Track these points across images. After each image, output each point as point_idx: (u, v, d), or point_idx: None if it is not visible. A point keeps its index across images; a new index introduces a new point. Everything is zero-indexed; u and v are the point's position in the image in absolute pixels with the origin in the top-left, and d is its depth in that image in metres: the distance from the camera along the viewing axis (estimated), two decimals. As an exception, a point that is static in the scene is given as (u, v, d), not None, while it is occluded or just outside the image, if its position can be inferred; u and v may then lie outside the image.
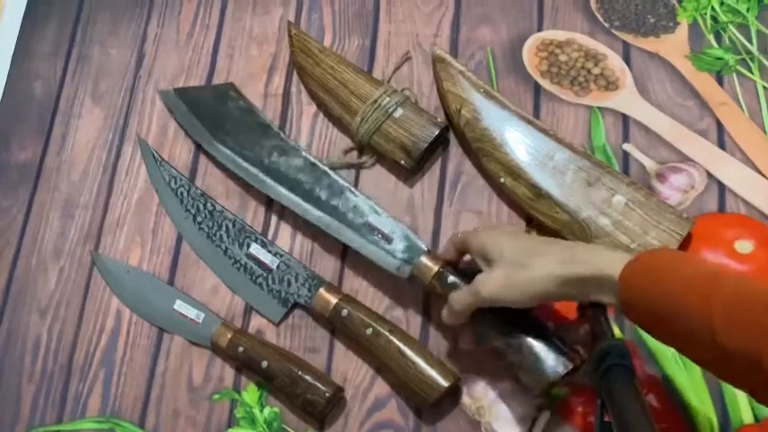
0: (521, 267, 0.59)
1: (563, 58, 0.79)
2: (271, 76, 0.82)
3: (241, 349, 0.69)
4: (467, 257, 0.66)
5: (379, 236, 0.69)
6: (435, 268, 0.67)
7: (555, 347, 0.62)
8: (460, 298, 0.63)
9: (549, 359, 0.61)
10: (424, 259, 0.67)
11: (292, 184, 0.73)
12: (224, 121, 0.77)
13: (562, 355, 0.61)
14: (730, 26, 0.79)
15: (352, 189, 0.72)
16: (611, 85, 0.78)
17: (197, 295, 0.74)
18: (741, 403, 0.66)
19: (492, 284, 0.60)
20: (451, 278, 0.66)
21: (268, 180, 0.74)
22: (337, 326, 0.70)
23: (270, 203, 0.77)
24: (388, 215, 0.70)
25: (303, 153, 0.74)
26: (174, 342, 0.73)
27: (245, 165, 0.75)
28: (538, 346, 0.62)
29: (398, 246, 0.68)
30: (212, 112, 0.78)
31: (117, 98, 0.83)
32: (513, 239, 0.62)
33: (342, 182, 0.72)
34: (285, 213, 0.76)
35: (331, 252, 0.74)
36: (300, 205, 0.72)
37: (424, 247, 0.68)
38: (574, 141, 0.73)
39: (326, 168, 0.73)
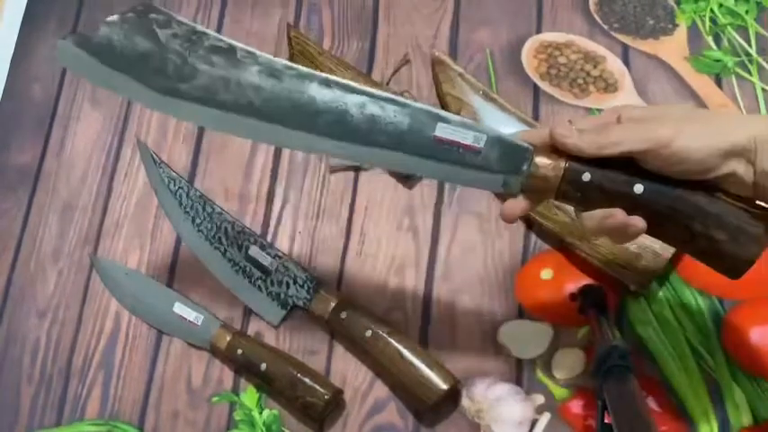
0: (705, 121, 0.50)
1: (562, 60, 0.79)
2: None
3: (240, 351, 0.69)
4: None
5: (461, 150, 0.51)
6: (561, 164, 0.50)
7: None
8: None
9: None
10: (540, 159, 0.50)
11: (307, 120, 0.52)
12: (161, 61, 0.53)
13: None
14: (729, 28, 0.79)
15: (395, 98, 0.52)
16: (610, 86, 0.78)
17: (196, 297, 0.74)
18: (741, 406, 0.66)
19: (680, 131, 0.47)
20: (588, 172, 0.49)
21: (268, 126, 0.52)
22: (336, 328, 0.70)
23: (270, 202, 0.77)
24: (458, 117, 0.52)
25: (298, 67, 0.53)
26: (173, 344, 0.72)
27: (228, 115, 0.52)
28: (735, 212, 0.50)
29: (492, 154, 0.51)
30: (135, 53, 0.54)
31: (116, 101, 0.83)
32: (668, 110, 0.52)
33: (373, 92, 0.52)
34: (284, 214, 0.76)
35: (330, 254, 0.74)
36: (334, 145, 0.52)
37: (527, 144, 0.51)
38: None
39: (343, 80, 0.53)
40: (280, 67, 0.53)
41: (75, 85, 0.84)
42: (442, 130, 0.51)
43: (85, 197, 0.79)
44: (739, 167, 0.49)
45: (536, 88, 0.78)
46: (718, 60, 0.78)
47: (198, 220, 0.75)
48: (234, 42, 0.54)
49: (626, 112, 0.51)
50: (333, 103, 0.52)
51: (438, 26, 0.82)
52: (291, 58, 0.81)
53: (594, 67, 0.79)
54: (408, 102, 0.52)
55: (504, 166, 0.51)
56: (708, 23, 0.80)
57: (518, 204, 0.52)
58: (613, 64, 0.79)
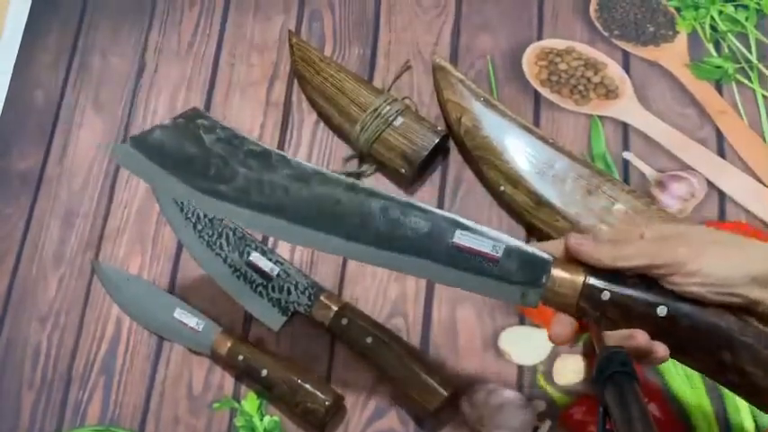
0: (732, 245, 0.48)
1: (563, 66, 0.79)
2: (271, 85, 0.82)
3: (241, 358, 0.69)
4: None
5: (479, 259, 0.50)
6: (579, 279, 0.48)
7: None
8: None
9: None
10: (558, 272, 0.49)
11: (332, 224, 0.53)
12: (205, 163, 0.57)
13: None
14: (729, 35, 0.79)
15: (416, 204, 0.53)
16: (610, 93, 0.78)
17: (197, 303, 0.74)
18: (743, 413, 0.65)
19: (703, 250, 0.46)
20: (608, 290, 0.47)
21: (296, 228, 0.54)
22: (337, 334, 0.70)
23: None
24: (478, 225, 0.52)
25: (326, 172, 0.56)
26: (174, 350, 0.72)
27: (260, 215, 0.55)
28: None
29: (510, 265, 0.50)
30: (183, 155, 0.57)
31: (118, 107, 0.83)
32: (691, 229, 0.51)
33: (395, 197, 0.54)
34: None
35: (331, 260, 0.74)
36: (357, 249, 0.53)
37: (546, 255, 0.50)
38: (574, 150, 0.74)
39: (367, 187, 0.55)
40: (309, 171, 0.55)
41: (77, 91, 0.84)
42: (460, 237, 0.51)
43: (87, 203, 0.79)
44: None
45: (537, 95, 0.79)
46: (718, 67, 0.78)
47: (199, 226, 0.75)
48: (268, 147, 0.57)
49: (650, 230, 0.50)
50: (357, 206, 0.53)
51: (439, 33, 0.82)
52: (293, 65, 0.81)
53: (595, 73, 0.79)
54: (429, 208, 0.52)
55: (522, 277, 0.50)
56: (708, 30, 0.80)
57: (564, 325, 0.49)
58: (614, 71, 0.79)
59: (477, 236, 0.51)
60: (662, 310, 0.47)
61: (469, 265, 0.51)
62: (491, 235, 0.51)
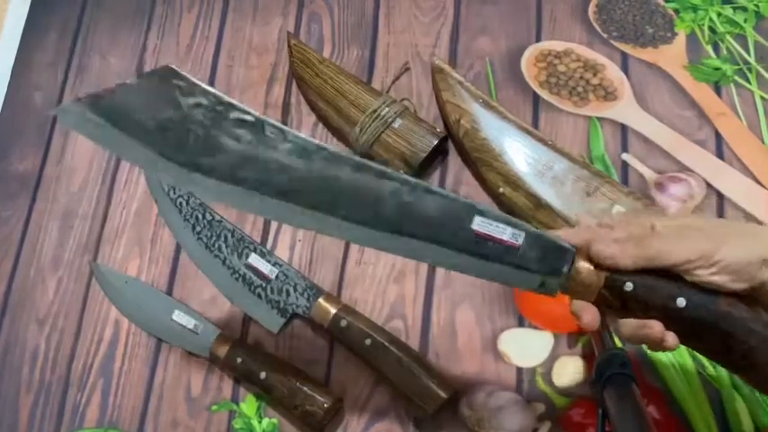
0: (748, 233, 0.49)
1: (562, 68, 0.79)
2: (270, 87, 0.82)
3: (239, 360, 0.69)
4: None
5: (498, 247, 0.48)
6: (603, 270, 0.48)
7: None
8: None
9: None
10: (581, 263, 0.48)
11: (337, 206, 0.48)
12: (182, 132, 0.49)
13: None
14: (728, 37, 0.80)
15: (431, 187, 0.49)
16: (609, 95, 0.78)
17: (195, 305, 0.73)
18: (742, 415, 0.65)
19: (722, 243, 0.46)
20: (631, 281, 0.47)
21: (294, 208, 0.48)
22: (336, 336, 0.70)
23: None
24: (496, 210, 0.49)
25: (330, 148, 0.50)
26: (173, 352, 0.72)
27: (251, 194, 0.48)
28: None
29: (530, 253, 0.48)
30: (154, 121, 0.49)
31: (116, 108, 0.83)
32: (703, 222, 0.51)
33: (407, 179, 0.49)
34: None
35: (330, 262, 0.74)
36: (365, 233, 0.49)
37: (567, 245, 0.48)
38: (573, 151, 0.74)
39: (376, 165, 0.49)
40: (311, 147, 0.49)
41: (76, 92, 0.84)
42: (479, 224, 0.48)
43: (85, 205, 0.79)
44: None
45: (535, 96, 0.79)
46: (717, 69, 0.78)
47: (198, 228, 0.75)
48: (263, 117, 0.50)
49: (660, 222, 0.49)
50: (366, 188, 0.49)
51: (438, 34, 0.82)
52: (292, 66, 0.81)
53: (594, 75, 0.79)
54: (445, 192, 0.49)
55: (542, 266, 0.48)
56: (707, 32, 0.80)
57: (591, 312, 0.48)
58: (613, 72, 0.79)
59: (496, 223, 0.48)
60: (681, 302, 0.48)
61: (488, 252, 0.48)
62: (511, 222, 0.48)
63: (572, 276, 0.48)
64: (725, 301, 0.48)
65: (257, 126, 0.49)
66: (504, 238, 0.48)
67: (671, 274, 0.48)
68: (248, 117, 0.50)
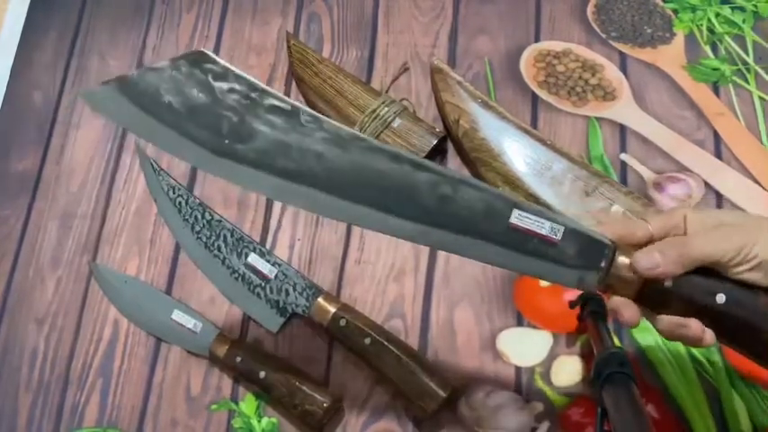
0: None
1: (560, 68, 0.80)
2: (269, 87, 0.82)
3: (239, 359, 0.69)
4: None
5: (536, 241, 0.47)
6: None
7: None
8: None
9: None
10: (622, 258, 0.47)
11: (373, 196, 0.48)
12: (215, 117, 0.48)
13: None
14: (726, 37, 0.80)
15: (468, 179, 0.48)
16: (608, 95, 0.78)
17: (195, 305, 0.73)
18: (740, 414, 0.65)
19: (759, 237, 0.46)
20: (671, 280, 0.46)
21: (330, 198, 0.48)
22: (335, 335, 0.70)
23: (269, 209, 0.77)
24: (533, 204, 0.49)
25: (367, 138, 0.49)
26: (172, 352, 0.72)
27: (286, 183, 0.48)
28: None
29: (569, 248, 0.47)
30: (186, 105, 0.48)
31: (116, 108, 0.83)
32: (735, 216, 0.50)
33: (444, 171, 0.48)
34: (283, 221, 0.76)
35: (329, 261, 0.74)
36: (400, 224, 0.48)
37: (607, 240, 0.47)
38: (571, 151, 0.74)
39: (414, 157, 0.49)
40: (347, 136, 0.48)
41: (76, 92, 0.84)
42: (517, 218, 0.47)
43: (85, 204, 0.79)
44: None
45: (534, 96, 0.79)
46: (715, 69, 0.78)
47: (197, 228, 0.75)
48: (298, 104, 0.49)
49: (691, 214, 0.49)
50: (402, 179, 0.48)
51: (437, 35, 0.82)
52: (291, 66, 0.81)
53: (593, 75, 0.79)
54: (482, 185, 0.48)
55: (581, 261, 0.47)
56: (705, 32, 0.80)
57: (631, 308, 0.48)
58: (612, 72, 0.79)
59: (535, 217, 0.47)
60: (720, 298, 0.47)
61: (526, 247, 0.47)
62: (548, 215, 0.48)
63: (613, 272, 0.47)
64: (765, 298, 0.47)
65: (292, 114, 0.48)
66: (543, 232, 0.47)
67: (709, 270, 0.47)
68: (283, 104, 0.49)
